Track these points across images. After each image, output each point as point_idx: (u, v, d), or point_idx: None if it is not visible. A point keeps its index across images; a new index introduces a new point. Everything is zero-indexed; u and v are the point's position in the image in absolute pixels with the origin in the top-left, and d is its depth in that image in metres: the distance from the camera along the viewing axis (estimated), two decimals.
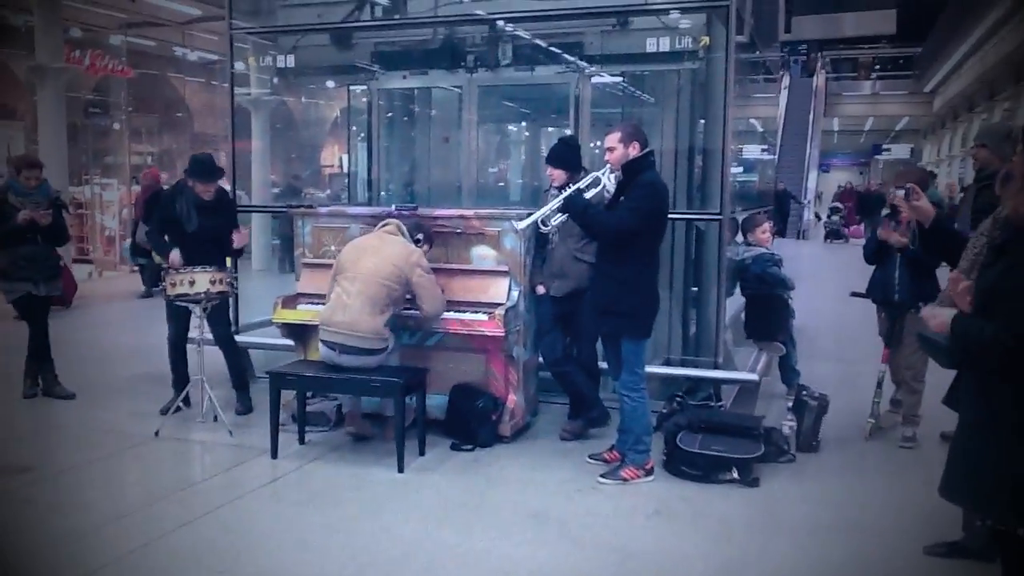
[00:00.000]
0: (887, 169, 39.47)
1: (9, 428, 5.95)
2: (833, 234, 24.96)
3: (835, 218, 25.75)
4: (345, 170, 12.56)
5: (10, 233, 6.16)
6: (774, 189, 21.64)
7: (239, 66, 7.73)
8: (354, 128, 9.07)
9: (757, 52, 8.03)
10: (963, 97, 28.93)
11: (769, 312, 6.55)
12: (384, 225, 5.32)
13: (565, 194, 4.80)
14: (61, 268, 6.58)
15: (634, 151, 4.73)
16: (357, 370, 5.10)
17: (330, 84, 10.39)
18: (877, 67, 39.02)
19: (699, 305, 6.61)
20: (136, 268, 13.20)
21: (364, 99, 7.99)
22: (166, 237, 6.03)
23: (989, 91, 25.31)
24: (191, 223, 5.93)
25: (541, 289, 5.59)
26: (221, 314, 6.12)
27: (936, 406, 5.50)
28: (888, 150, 43.76)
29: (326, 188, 17.11)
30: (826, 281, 13.01)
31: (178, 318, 6.06)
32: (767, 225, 6.96)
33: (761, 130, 12.20)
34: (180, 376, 6.16)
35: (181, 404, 6.06)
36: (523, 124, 10.02)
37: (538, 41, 6.57)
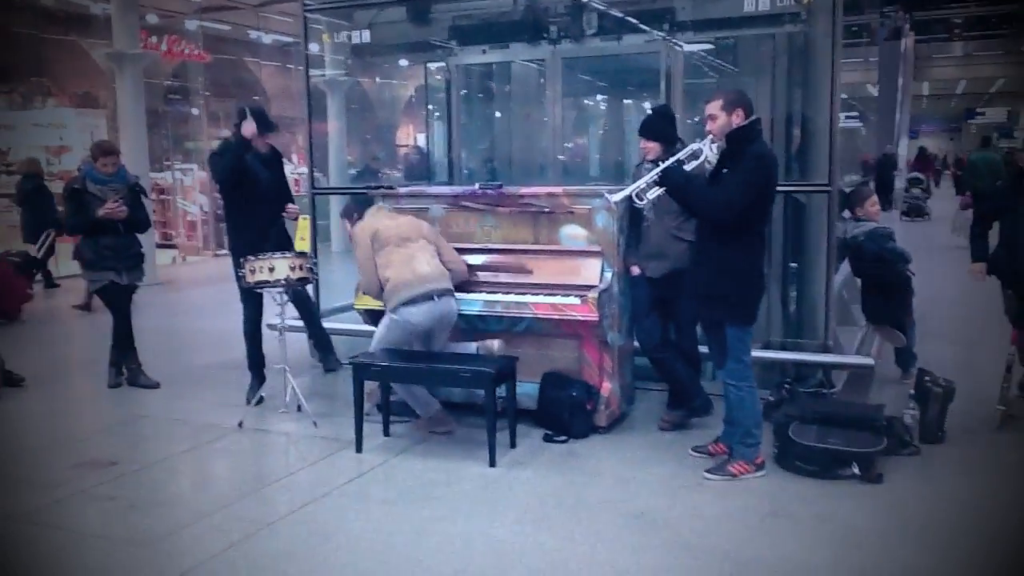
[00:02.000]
0: (980, 132, 37.64)
1: (95, 419, 5.93)
2: (915, 210, 20.00)
3: (915, 191, 20.99)
4: (423, 149, 12.37)
5: (92, 223, 6.09)
6: (877, 158, 20.37)
7: (313, 47, 7.54)
8: (431, 107, 8.84)
9: (863, 14, 7.52)
10: None
11: (893, 293, 6.06)
12: (372, 207, 5.46)
13: (663, 166, 4.42)
14: (143, 256, 6.46)
15: (738, 119, 4.32)
16: (448, 358, 4.89)
17: (404, 63, 10.18)
18: (967, 27, 37.17)
19: (801, 283, 6.18)
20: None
21: (439, 76, 7.73)
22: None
23: None
24: (261, 175, 5.92)
25: (636, 270, 5.24)
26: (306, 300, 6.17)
27: None
28: (983, 114, 41.80)
29: (399, 167, 17.00)
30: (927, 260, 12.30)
31: (254, 302, 5.97)
32: (875, 197, 6.49)
33: (845, 96, 11.57)
34: (258, 362, 6.08)
35: (263, 394, 5.93)
36: (610, 97, 9.62)
37: (624, 9, 6.17)
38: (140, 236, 6.44)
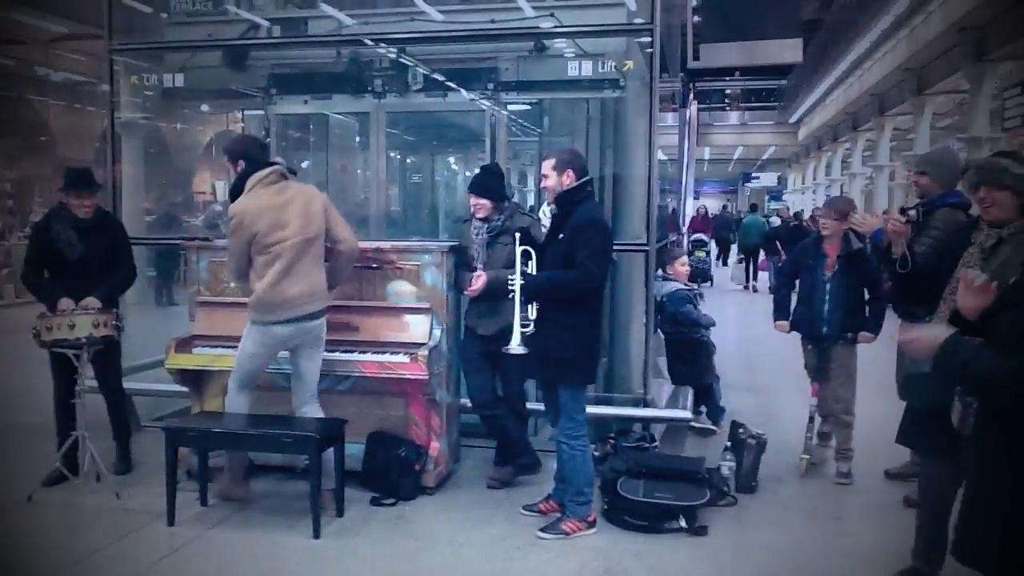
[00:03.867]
0: (753, 195, 40.79)
1: None
2: (700, 274, 16.54)
3: (699, 254, 19.15)
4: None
5: None
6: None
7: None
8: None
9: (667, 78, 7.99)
10: (827, 127, 30.22)
11: (690, 354, 6.41)
12: (268, 177, 4.63)
13: (518, 285, 4.38)
14: None
15: (568, 180, 4.43)
16: (269, 421, 4.61)
17: (205, 108, 9.74)
18: (743, 99, 40.61)
19: (615, 339, 6.36)
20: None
21: (240, 125, 7.43)
22: (46, 274, 5.33)
23: (853, 122, 26.47)
24: (74, 249, 5.22)
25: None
26: (112, 359, 5.46)
27: (866, 438, 5.52)
28: (757, 178, 45.63)
29: (198, 215, 16.24)
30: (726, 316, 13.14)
31: (62, 368, 5.20)
32: (685, 258, 6.84)
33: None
34: (66, 437, 5.23)
35: (66, 471, 5.16)
36: (436, 152, 9.64)
37: (449, 67, 6.22)
38: None
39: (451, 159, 9.05)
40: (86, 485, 5.10)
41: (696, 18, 13.59)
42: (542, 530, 4.50)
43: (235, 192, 4.68)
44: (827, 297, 5.44)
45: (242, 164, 4.80)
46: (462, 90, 6.31)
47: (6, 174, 22.45)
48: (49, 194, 21.42)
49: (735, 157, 44.23)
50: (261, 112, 6.92)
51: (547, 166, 4.46)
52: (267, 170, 4.64)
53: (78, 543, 4.51)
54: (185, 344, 5.24)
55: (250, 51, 6.44)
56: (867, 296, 5.45)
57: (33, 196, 22.87)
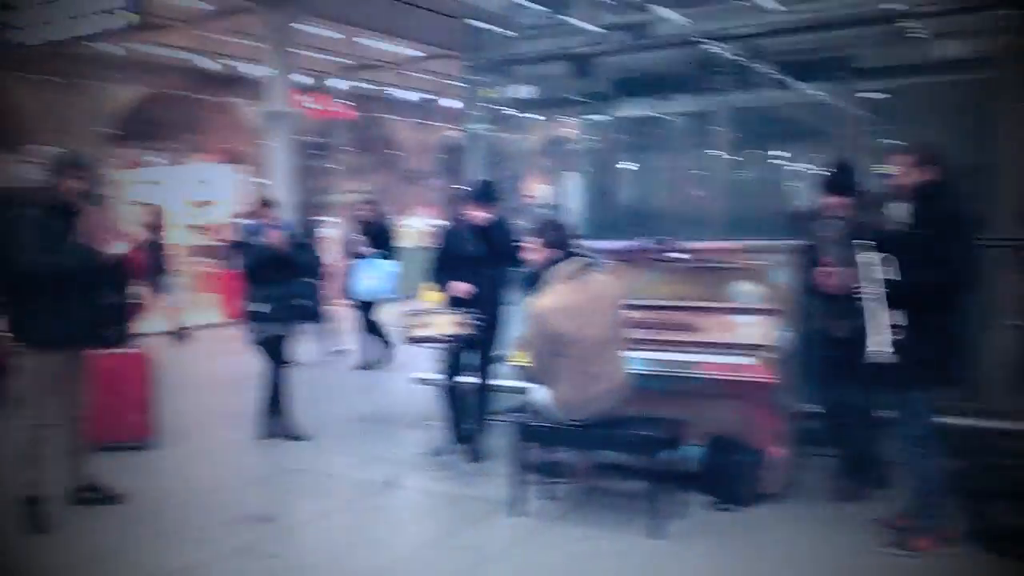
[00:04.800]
0: None
1: (242, 472, 5.90)
2: None
3: None
4: (550, 202, 12.28)
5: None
6: None
7: (456, 103, 7.62)
8: (566, 159, 8.81)
9: None
10: None
11: None
12: (568, 270, 4.67)
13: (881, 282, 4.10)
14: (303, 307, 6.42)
15: (926, 174, 4.10)
16: (609, 421, 4.69)
17: (552, 117, 10.12)
18: None
19: (975, 342, 5.70)
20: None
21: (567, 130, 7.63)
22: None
23: None
24: (464, 250, 5.69)
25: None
26: (485, 349, 5.84)
27: None
28: None
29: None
30: None
31: (453, 356, 5.73)
32: None
33: None
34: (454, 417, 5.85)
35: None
36: (776, 148, 9.34)
37: (799, 57, 5.98)
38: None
39: (792, 155, 8.69)
40: (436, 471, 5.53)
41: None
42: (891, 545, 4.18)
43: None
44: None
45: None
46: (803, 83, 6.04)
47: (361, 186, 25.09)
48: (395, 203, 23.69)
49: None
50: (602, 117, 7.11)
51: (903, 160, 4.17)
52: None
53: (428, 528, 4.91)
54: None
55: (594, 58, 6.62)
56: None
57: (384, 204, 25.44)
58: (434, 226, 10.44)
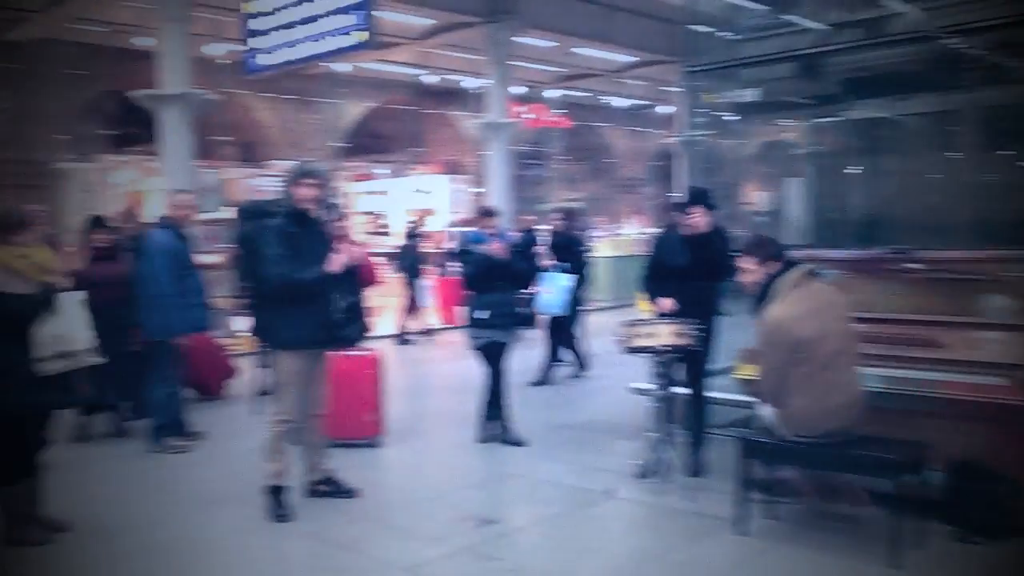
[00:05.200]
0: None
1: (466, 473, 6.06)
2: None
3: None
4: (768, 208, 11.82)
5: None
6: None
7: (668, 109, 7.49)
8: (788, 164, 8.45)
9: None
10: None
11: None
12: (793, 278, 4.45)
13: None
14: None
15: None
16: (847, 441, 4.41)
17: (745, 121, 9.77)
18: None
19: None
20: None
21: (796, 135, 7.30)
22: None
23: None
24: (677, 260, 5.57)
25: None
26: (695, 364, 5.70)
27: None
28: None
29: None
30: None
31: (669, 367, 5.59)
32: None
33: None
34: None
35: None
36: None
37: None
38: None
39: None
40: (658, 484, 5.43)
41: None
42: None
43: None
44: None
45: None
46: None
47: (575, 194, 25.33)
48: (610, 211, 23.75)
49: None
50: (829, 119, 6.77)
51: None
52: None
53: (653, 540, 4.81)
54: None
55: (822, 58, 6.32)
56: None
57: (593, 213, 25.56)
58: (647, 234, 10.33)
